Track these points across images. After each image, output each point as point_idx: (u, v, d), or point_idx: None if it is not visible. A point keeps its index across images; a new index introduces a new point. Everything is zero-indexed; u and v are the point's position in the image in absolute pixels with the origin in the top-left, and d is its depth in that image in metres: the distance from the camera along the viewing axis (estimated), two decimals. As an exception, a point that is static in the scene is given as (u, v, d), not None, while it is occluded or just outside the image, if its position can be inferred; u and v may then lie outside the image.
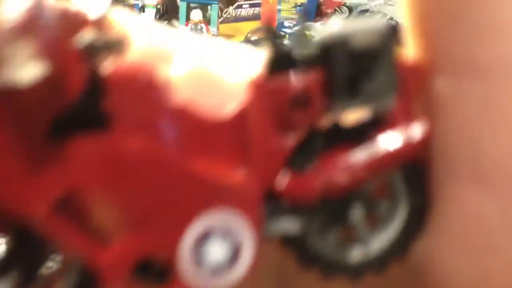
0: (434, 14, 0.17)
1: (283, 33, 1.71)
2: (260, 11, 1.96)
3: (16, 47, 0.13)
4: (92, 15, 0.16)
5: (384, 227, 0.18)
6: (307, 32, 0.17)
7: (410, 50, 0.18)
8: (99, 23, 0.16)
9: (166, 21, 1.83)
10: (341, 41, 0.16)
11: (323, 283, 0.18)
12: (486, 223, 0.17)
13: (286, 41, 0.17)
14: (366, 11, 1.79)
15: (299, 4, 1.89)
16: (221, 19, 1.92)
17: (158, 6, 1.78)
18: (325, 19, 1.88)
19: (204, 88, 0.19)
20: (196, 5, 1.75)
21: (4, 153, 0.14)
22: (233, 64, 0.20)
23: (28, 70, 0.13)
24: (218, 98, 0.19)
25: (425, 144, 0.17)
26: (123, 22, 0.20)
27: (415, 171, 0.18)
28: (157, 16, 1.77)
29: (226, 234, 0.16)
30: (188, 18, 1.72)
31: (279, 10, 1.89)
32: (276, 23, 1.84)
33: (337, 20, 0.17)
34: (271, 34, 0.17)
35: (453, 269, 0.18)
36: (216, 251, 0.16)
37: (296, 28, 1.75)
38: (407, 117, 0.17)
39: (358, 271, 0.18)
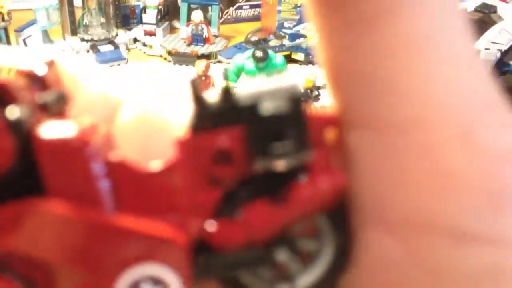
0: (345, 72, 0.18)
1: (283, 34, 1.72)
2: (260, 12, 1.97)
3: None
4: (38, 71, 0.18)
5: (313, 264, 0.20)
6: (231, 88, 0.18)
7: (331, 102, 0.19)
8: (45, 78, 0.18)
9: (167, 22, 1.84)
10: (251, 105, 0.17)
11: None
12: (395, 265, 0.18)
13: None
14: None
15: (299, 5, 1.90)
16: (222, 20, 1.92)
17: (160, 7, 1.78)
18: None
19: (148, 136, 0.21)
20: (197, 6, 1.76)
21: None
22: (175, 109, 0.21)
23: None
24: (161, 147, 0.20)
25: (341, 192, 0.18)
26: (70, 73, 0.21)
27: (338, 213, 0.19)
28: (158, 17, 1.78)
29: (156, 283, 0.18)
30: (189, 19, 1.72)
31: (279, 11, 1.90)
32: (276, 24, 1.85)
33: (257, 80, 0.18)
34: (196, 90, 0.18)
35: None
36: None
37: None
38: (324, 168, 0.18)
39: None
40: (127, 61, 1.64)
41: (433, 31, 0.17)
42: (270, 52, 1.41)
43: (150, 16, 1.76)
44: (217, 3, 1.78)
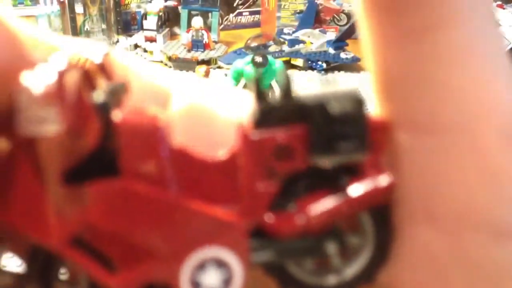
0: (399, 78, 0.19)
1: (282, 40, 1.73)
2: (260, 18, 1.98)
3: (45, 110, 0.16)
4: (96, 60, 0.19)
5: (355, 257, 0.21)
6: (291, 87, 0.19)
7: (377, 107, 0.20)
8: (102, 67, 0.19)
9: (168, 28, 1.85)
10: (319, 104, 0.18)
11: None
12: (436, 258, 0.20)
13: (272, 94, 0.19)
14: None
15: (298, 11, 1.91)
16: (222, 26, 1.94)
17: (160, 14, 1.80)
18: (323, 26, 1.91)
19: (199, 126, 0.21)
20: (197, 12, 1.77)
21: (32, 193, 0.17)
22: (225, 103, 0.22)
23: (53, 127, 0.16)
24: (211, 137, 0.21)
25: (390, 190, 0.20)
26: (122, 64, 0.22)
27: (381, 211, 0.20)
28: (159, 23, 1.79)
29: (220, 264, 0.19)
30: (189, 25, 1.73)
31: (279, 17, 1.91)
32: (275, 30, 1.86)
33: (316, 87, 0.19)
34: (259, 87, 0.19)
35: None
36: (212, 278, 0.19)
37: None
38: (375, 167, 0.19)
39: None
40: (128, 67, 1.64)
41: (481, 40, 0.19)
42: (269, 57, 1.42)
43: (150, 22, 1.77)
44: (217, 10, 1.80)
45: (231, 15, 1.99)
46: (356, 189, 0.19)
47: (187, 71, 1.63)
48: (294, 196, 0.19)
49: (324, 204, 0.19)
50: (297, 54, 1.70)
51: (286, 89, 0.19)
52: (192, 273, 0.19)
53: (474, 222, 0.19)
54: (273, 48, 1.69)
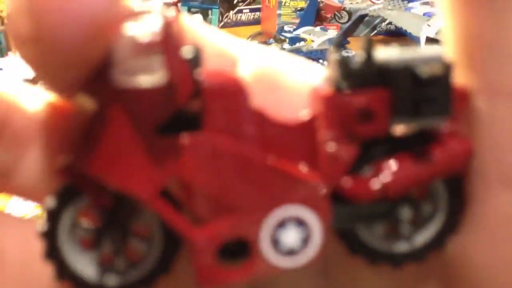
0: (478, 42, 0.19)
1: (283, 37, 1.72)
2: (260, 15, 1.97)
3: (148, 59, 0.16)
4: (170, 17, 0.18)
5: (426, 225, 0.20)
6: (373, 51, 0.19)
7: (457, 75, 0.20)
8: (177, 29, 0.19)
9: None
10: (405, 68, 0.18)
11: (368, 268, 0.21)
12: (510, 221, 0.19)
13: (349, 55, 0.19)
14: (365, 15, 1.80)
15: (298, 8, 1.90)
16: (222, 23, 1.93)
17: (159, 11, 1.79)
18: (324, 23, 1.90)
19: (268, 91, 0.21)
20: (197, 9, 1.77)
21: (125, 143, 0.17)
22: (294, 69, 0.22)
23: (153, 78, 0.16)
24: (280, 102, 0.21)
25: (469, 158, 0.19)
26: (189, 28, 0.21)
27: (455, 179, 0.20)
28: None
29: (300, 223, 0.19)
30: (189, 23, 1.73)
31: (279, 15, 1.90)
32: (276, 28, 1.86)
33: (395, 47, 0.19)
34: (338, 51, 0.19)
35: (483, 261, 0.20)
36: (291, 236, 0.19)
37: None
38: (454, 135, 0.19)
39: (401, 261, 0.20)
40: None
41: None
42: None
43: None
44: (217, 7, 1.79)
45: (231, 12, 1.98)
46: (435, 156, 0.19)
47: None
48: (372, 161, 0.19)
49: (402, 170, 0.19)
50: (298, 52, 1.69)
51: (368, 53, 0.19)
52: (272, 230, 0.19)
53: None
54: (273, 45, 1.68)
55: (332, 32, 1.76)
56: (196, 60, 0.18)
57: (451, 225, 0.20)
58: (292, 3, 1.90)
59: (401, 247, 0.20)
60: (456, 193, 0.20)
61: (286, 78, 0.22)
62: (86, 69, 0.17)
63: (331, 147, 0.19)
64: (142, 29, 0.16)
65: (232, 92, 0.18)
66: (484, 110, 0.19)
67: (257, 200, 0.19)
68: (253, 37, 1.69)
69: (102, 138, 0.17)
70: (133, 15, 0.16)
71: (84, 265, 0.19)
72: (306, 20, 1.81)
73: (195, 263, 0.18)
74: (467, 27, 0.19)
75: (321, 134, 0.19)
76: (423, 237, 0.20)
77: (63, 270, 0.19)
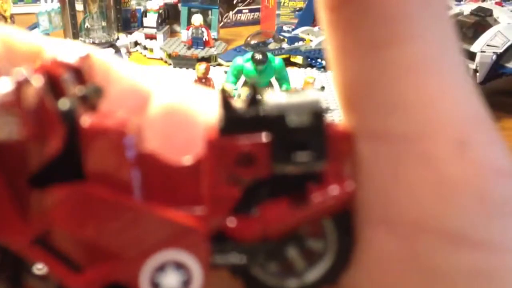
0: (358, 89, 0.20)
1: (282, 37, 1.73)
2: (259, 15, 1.98)
3: (4, 118, 0.17)
4: (72, 62, 0.19)
5: (317, 261, 0.21)
6: (258, 97, 0.20)
7: (342, 117, 0.21)
8: (79, 67, 0.20)
9: (168, 26, 1.86)
10: (278, 116, 0.19)
11: None
12: (392, 262, 0.20)
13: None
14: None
15: (297, 9, 1.91)
16: (222, 23, 1.94)
17: (160, 11, 1.80)
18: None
19: (177, 126, 0.22)
20: (197, 10, 1.77)
21: None
22: (203, 104, 0.23)
23: (13, 134, 0.17)
24: (188, 138, 0.22)
25: (351, 198, 0.20)
26: (103, 65, 0.23)
27: (343, 217, 0.21)
28: (159, 21, 1.79)
29: (179, 266, 0.20)
30: (189, 23, 1.74)
31: (278, 15, 1.91)
32: (275, 27, 1.87)
33: (280, 93, 0.20)
34: (225, 95, 0.19)
35: None
36: (171, 280, 0.20)
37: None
38: (336, 175, 0.20)
39: None
40: (128, 64, 1.65)
41: (437, 54, 0.20)
42: (269, 55, 1.42)
43: (150, 20, 1.77)
44: (217, 7, 1.80)
45: (231, 13, 2.00)
46: (317, 196, 0.20)
47: (187, 68, 1.64)
48: (256, 201, 0.20)
49: (284, 210, 0.20)
50: (296, 51, 1.70)
51: (252, 98, 0.19)
52: (152, 274, 0.19)
53: (428, 228, 0.20)
54: (272, 45, 1.69)
55: (331, 32, 1.76)
56: (74, 109, 0.18)
57: (342, 262, 0.21)
58: (291, 3, 1.91)
59: (293, 283, 0.21)
60: (345, 230, 0.21)
61: (197, 114, 0.23)
62: None
63: (214, 189, 0.19)
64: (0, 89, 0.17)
65: (113, 138, 0.18)
66: (366, 153, 0.20)
67: (134, 246, 0.19)
68: (252, 37, 1.70)
69: None
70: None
71: None
72: (305, 20, 1.81)
73: None
74: (347, 76, 0.20)
75: (206, 176, 0.20)
76: (314, 273, 0.21)
77: None
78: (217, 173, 0.19)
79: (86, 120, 0.18)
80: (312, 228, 0.21)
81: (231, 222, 0.20)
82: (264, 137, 0.19)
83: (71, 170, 0.19)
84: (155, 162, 0.20)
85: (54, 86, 0.19)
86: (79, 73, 0.20)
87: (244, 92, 1.40)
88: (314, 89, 0.21)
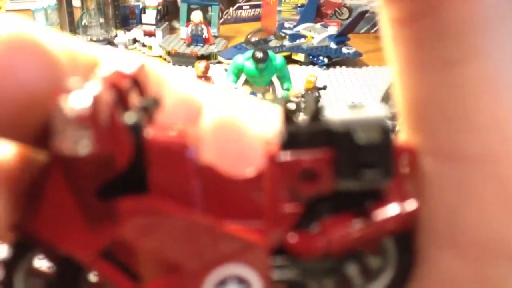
0: (429, 107, 0.20)
1: (283, 34, 1.71)
2: (260, 12, 1.96)
3: (79, 132, 0.17)
4: (127, 71, 0.20)
5: (375, 280, 0.21)
6: (321, 112, 0.19)
7: (405, 134, 0.21)
8: (136, 80, 0.20)
9: (167, 22, 1.84)
10: (345, 133, 0.19)
11: None
12: (458, 284, 0.20)
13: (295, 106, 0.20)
14: (366, 12, 1.79)
15: (299, 5, 1.89)
16: (222, 20, 1.92)
17: (159, 7, 1.78)
18: (325, 20, 1.89)
19: (229, 141, 0.22)
20: (196, 6, 1.76)
21: (64, 208, 0.18)
22: (256, 117, 0.23)
23: (84, 148, 0.17)
24: (241, 152, 0.22)
25: (414, 216, 0.20)
26: (156, 76, 0.22)
27: (405, 235, 0.20)
28: (158, 18, 1.77)
29: (241, 281, 0.20)
30: (188, 19, 1.72)
31: (279, 11, 1.89)
32: (276, 24, 1.85)
33: (341, 107, 0.19)
34: (287, 110, 0.19)
35: None
36: None
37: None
38: (400, 192, 0.20)
39: None
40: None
41: (510, 72, 0.19)
42: (270, 52, 1.40)
43: (149, 16, 1.76)
44: (217, 4, 1.78)
45: (231, 9, 1.98)
46: (379, 214, 0.20)
47: (187, 66, 1.62)
48: (318, 217, 0.20)
49: (347, 227, 0.20)
50: (298, 49, 1.68)
51: (314, 112, 0.19)
52: None
53: (496, 251, 0.19)
54: (273, 42, 1.67)
55: (333, 29, 1.75)
56: (140, 123, 0.18)
57: (401, 281, 0.21)
58: (292, -1, 1.89)
59: None
60: (405, 249, 0.20)
61: (249, 127, 0.22)
62: (25, 133, 0.18)
63: (276, 204, 0.19)
64: (75, 104, 0.17)
65: (175, 152, 0.19)
66: (433, 172, 0.20)
67: (197, 260, 0.19)
68: (253, 34, 1.68)
69: (44, 201, 0.18)
70: (68, 90, 0.17)
71: None
72: (307, 17, 1.80)
73: None
74: (415, 92, 0.20)
75: (267, 192, 0.20)
76: None
77: None
78: (279, 188, 0.19)
79: (149, 132, 0.19)
80: (371, 245, 0.21)
81: (292, 237, 0.20)
82: (328, 152, 0.19)
83: (134, 182, 0.19)
84: (213, 175, 0.20)
85: (119, 98, 0.19)
86: (137, 85, 0.20)
87: (244, 91, 1.38)
88: (375, 104, 0.20)
